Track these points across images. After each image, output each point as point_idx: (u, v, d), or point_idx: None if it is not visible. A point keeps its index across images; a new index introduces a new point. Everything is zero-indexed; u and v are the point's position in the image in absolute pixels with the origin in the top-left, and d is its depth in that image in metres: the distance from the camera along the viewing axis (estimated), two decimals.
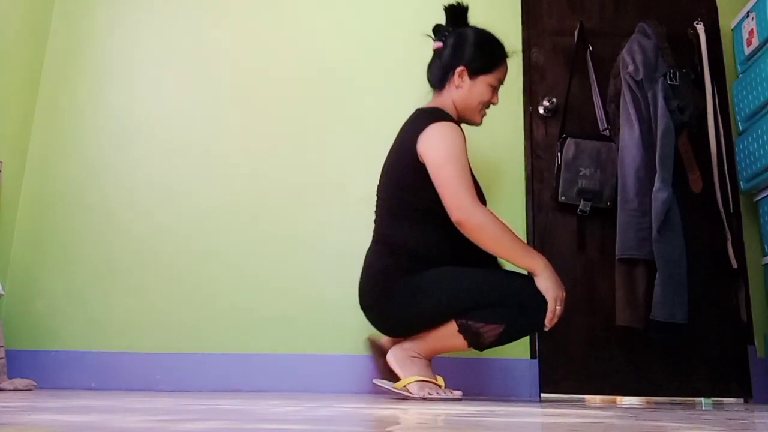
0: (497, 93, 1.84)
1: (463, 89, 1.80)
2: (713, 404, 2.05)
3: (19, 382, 2.01)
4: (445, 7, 1.86)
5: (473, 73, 1.80)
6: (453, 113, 1.81)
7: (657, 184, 2.09)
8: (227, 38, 2.59)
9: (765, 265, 2.25)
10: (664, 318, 2.01)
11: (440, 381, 1.73)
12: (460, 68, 1.80)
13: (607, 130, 2.34)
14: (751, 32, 2.28)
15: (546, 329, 1.65)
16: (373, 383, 1.83)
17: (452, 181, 1.65)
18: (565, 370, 2.22)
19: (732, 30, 2.44)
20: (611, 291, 2.14)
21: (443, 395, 1.68)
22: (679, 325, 2.03)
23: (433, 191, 1.68)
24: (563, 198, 2.28)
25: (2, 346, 2.10)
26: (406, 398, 1.69)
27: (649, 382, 2.21)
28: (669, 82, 2.19)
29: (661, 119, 2.13)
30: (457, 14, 1.85)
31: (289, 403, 1.44)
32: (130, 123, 2.51)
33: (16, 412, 1.07)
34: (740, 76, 2.37)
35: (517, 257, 1.65)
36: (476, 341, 1.64)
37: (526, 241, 2.22)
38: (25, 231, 2.40)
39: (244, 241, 2.37)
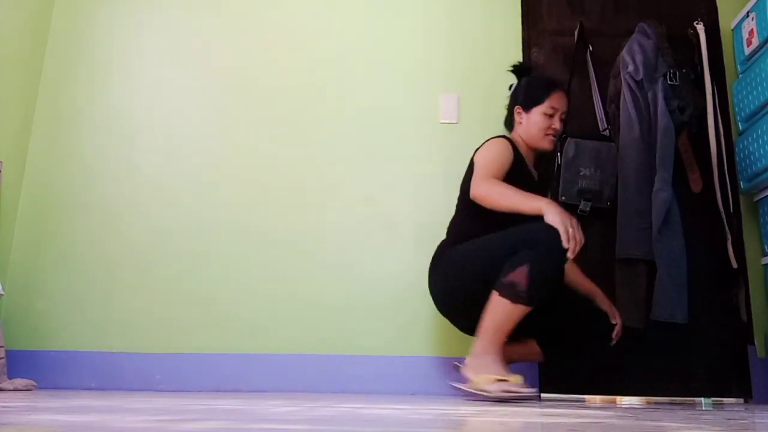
0: (556, 119, 2.03)
1: (523, 123, 2.07)
2: (713, 404, 2.05)
3: (19, 382, 2.01)
4: (510, 69, 2.15)
5: (527, 108, 2.06)
6: (522, 145, 2.06)
7: (657, 184, 2.09)
8: (227, 38, 2.60)
9: (765, 265, 2.25)
10: (664, 318, 2.01)
11: (517, 379, 1.71)
12: (516, 107, 2.09)
13: (607, 130, 2.34)
14: (751, 32, 2.28)
15: (572, 256, 1.65)
16: (451, 385, 1.83)
17: (476, 171, 1.91)
18: (565, 370, 2.22)
19: (732, 30, 2.44)
20: (611, 291, 2.14)
21: (519, 392, 1.67)
22: (679, 325, 2.03)
23: None
24: (563, 198, 2.27)
25: (2, 346, 2.10)
26: (485, 399, 1.69)
27: (649, 382, 2.21)
28: (669, 82, 2.19)
29: (661, 119, 2.13)
30: (519, 72, 2.15)
31: (289, 403, 1.44)
32: (129, 123, 2.51)
33: (16, 412, 1.07)
34: (740, 76, 2.37)
35: (521, 204, 1.75)
36: (515, 293, 1.67)
37: None
38: (25, 231, 2.40)
39: (244, 242, 2.37)
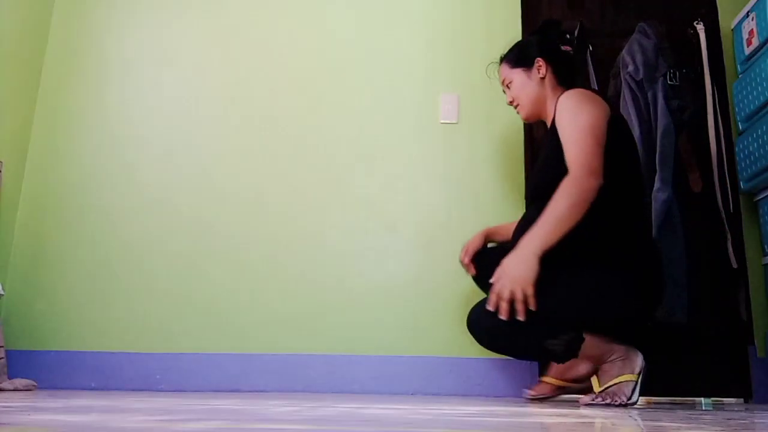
0: (507, 93, 1.95)
1: None
2: (713, 404, 2.05)
3: (19, 382, 2.01)
4: None
5: None
6: None
7: (657, 184, 2.09)
8: (226, 39, 2.59)
9: (765, 265, 2.25)
10: (664, 318, 2.01)
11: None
12: None
13: None
14: (751, 32, 2.28)
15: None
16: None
17: None
18: None
19: (732, 30, 2.44)
20: None
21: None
22: (679, 325, 2.03)
23: None
24: None
25: (2, 346, 2.10)
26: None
27: (649, 382, 2.20)
28: (669, 82, 2.19)
29: (661, 119, 2.13)
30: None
31: (289, 403, 1.44)
32: (129, 123, 2.51)
33: (16, 412, 1.07)
34: (740, 76, 2.37)
35: None
36: None
37: None
38: (25, 231, 2.40)
39: (244, 242, 2.37)
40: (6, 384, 1.99)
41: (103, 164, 2.47)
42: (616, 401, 1.62)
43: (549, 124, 1.82)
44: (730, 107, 2.39)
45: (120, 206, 2.42)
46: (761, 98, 2.17)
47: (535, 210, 1.64)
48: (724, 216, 2.23)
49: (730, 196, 2.26)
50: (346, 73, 2.53)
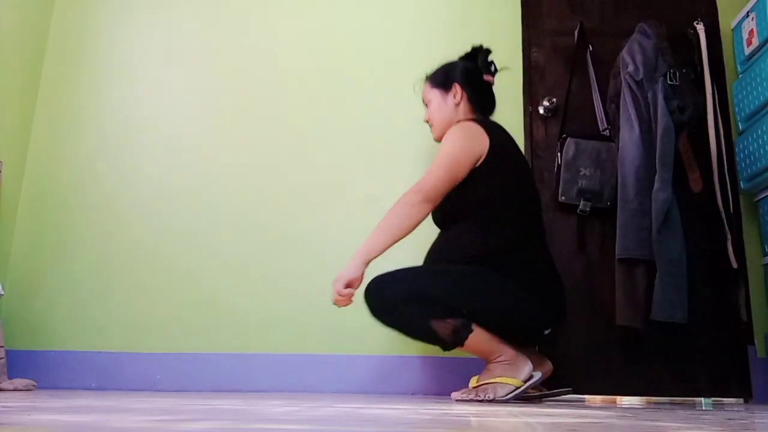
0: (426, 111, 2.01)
1: None
2: (713, 404, 2.05)
3: (19, 382, 2.01)
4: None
5: None
6: None
7: (657, 184, 2.09)
8: (227, 38, 2.60)
9: (765, 265, 2.25)
10: (664, 318, 2.01)
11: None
12: None
13: (607, 130, 2.34)
14: (751, 32, 2.28)
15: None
16: None
17: None
18: (565, 370, 2.22)
19: (732, 30, 2.44)
20: (611, 291, 2.14)
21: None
22: (679, 325, 2.03)
23: None
24: (563, 198, 2.27)
25: (2, 346, 2.11)
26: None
27: (649, 382, 2.21)
28: (669, 82, 2.19)
29: (661, 119, 2.13)
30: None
31: (289, 403, 1.44)
32: (130, 122, 2.51)
33: (16, 412, 1.07)
34: (740, 76, 2.37)
35: None
36: None
37: None
38: (25, 231, 2.40)
39: (245, 241, 2.37)
40: (6, 384, 1.99)
41: (102, 164, 2.47)
42: (480, 396, 1.67)
43: None
44: (730, 107, 2.39)
45: (119, 207, 2.42)
46: (761, 98, 2.17)
47: (444, 235, 1.86)
48: (724, 216, 2.22)
49: (730, 196, 2.26)
50: (346, 72, 2.53)
